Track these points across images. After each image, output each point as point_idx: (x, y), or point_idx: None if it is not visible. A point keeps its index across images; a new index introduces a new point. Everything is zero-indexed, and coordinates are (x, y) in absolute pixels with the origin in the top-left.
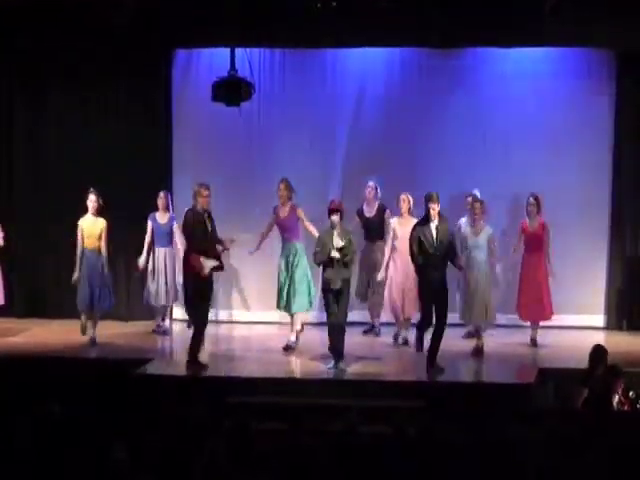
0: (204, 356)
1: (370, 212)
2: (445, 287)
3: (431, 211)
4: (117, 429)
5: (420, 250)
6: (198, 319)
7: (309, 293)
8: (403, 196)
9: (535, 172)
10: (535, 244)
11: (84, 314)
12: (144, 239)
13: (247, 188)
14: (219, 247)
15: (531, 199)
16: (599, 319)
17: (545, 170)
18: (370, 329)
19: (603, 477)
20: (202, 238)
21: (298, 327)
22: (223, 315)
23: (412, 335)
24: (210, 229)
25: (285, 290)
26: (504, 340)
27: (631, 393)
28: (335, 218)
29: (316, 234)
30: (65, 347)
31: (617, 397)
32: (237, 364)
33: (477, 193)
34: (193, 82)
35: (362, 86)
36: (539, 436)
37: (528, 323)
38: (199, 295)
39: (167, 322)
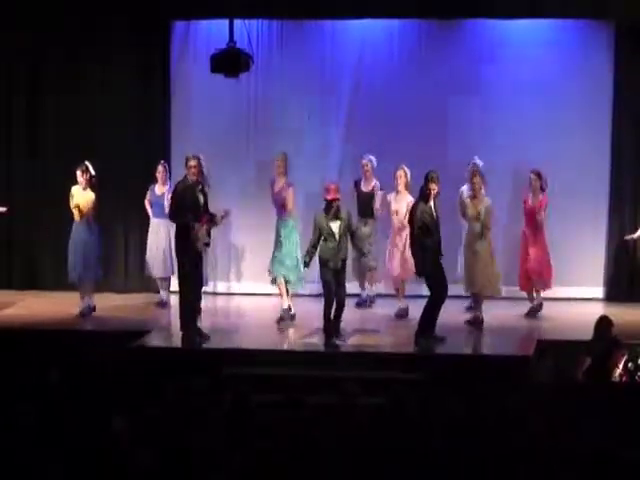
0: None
1: (366, 187)
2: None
3: (431, 192)
4: (117, 401)
5: (429, 233)
6: (189, 291)
7: (297, 269)
8: (399, 172)
9: (534, 142)
10: (533, 219)
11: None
12: (142, 210)
13: (245, 159)
14: (214, 223)
15: (532, 175)
16: (598, 291)
17: (544, 141)
18: (363, 302)
19: (600, 449)
20: (194, 209)
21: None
22: (221, 287)
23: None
24: (202, 202)
25: (276, 261)
26: (503, 312)
27: (630, 365)
28: (337, 205)
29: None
30: (62, 319)
31: (619, 370)
32: (234, 336)
33: (478, 161)
34: (191, 54)
35: (361, 57)
36: (538, 408)
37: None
38: (192, 266)
39: (162, 293)
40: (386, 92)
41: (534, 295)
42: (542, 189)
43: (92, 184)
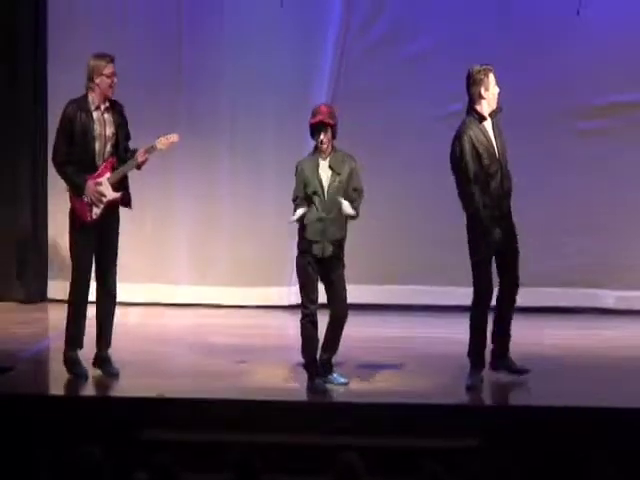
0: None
1: None
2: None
3: (481, 100)
4: None
5: (478, 168)
6: (74, 291)
7: None
8: None
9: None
10: None
11: None
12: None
13: (170, 87)
14: (131, 163)
15: None
16: None
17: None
18: None
19: None
20: (84, 151)
21: None
22: (139, 293)
23: None
24: (109, 133)
25: None
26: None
27: None
28: (323, 138)
29: None
30: None
31: None
32: (158, 375)
33: None
34: None
35: None
36: None
37: None
38: (77, 251)
39: None
40: None
41: None
42: None
43: None
